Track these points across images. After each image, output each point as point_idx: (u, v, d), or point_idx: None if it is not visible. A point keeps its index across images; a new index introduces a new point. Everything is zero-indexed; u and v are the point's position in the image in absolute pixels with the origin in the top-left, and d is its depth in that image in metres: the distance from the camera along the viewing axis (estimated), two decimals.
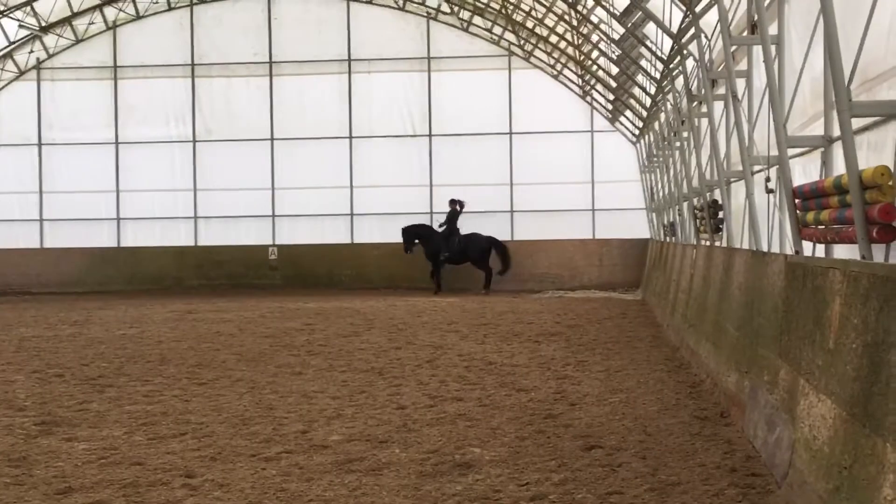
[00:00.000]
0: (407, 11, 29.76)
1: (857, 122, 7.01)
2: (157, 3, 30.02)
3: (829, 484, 5.14)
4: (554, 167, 28.87)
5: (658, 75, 18.22)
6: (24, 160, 30.53)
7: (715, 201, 14.46)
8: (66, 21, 29.50)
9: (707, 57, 13.18)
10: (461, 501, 6.23)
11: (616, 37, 20.29)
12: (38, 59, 30.32)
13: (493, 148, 29.43)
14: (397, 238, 28.13)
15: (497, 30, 29.03)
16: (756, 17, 9.63)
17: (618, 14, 17.61)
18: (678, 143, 17.73)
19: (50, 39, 29.94)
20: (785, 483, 6.10)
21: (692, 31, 13.24)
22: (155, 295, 27.90)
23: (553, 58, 28.42)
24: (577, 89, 29.02)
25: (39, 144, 30.56)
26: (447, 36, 29.64)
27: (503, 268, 27.87)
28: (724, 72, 12.08)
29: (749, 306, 8.72)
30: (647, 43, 17.92)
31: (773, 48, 9.39)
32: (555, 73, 29.10)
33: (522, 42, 28.70)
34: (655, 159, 23.11)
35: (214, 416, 9.17)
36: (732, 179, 13.52)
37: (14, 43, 29.21)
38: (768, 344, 7.52)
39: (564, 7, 23.27)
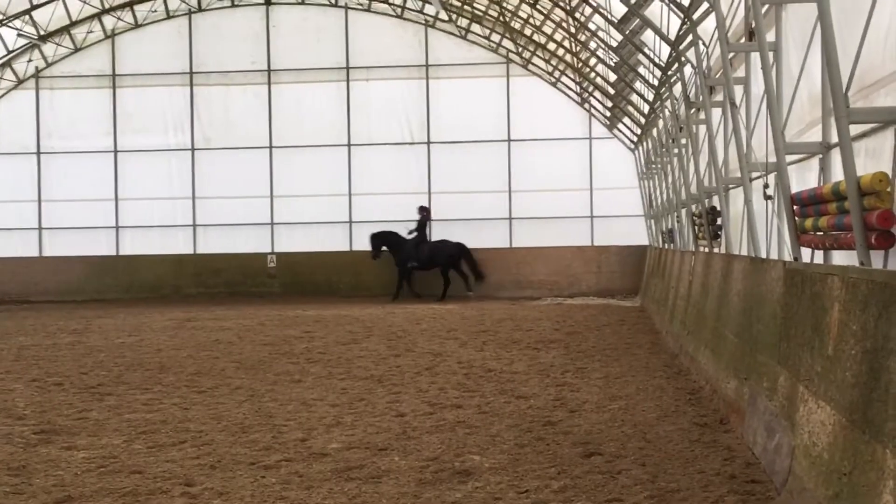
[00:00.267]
0: (405, 19, 29.80)
1: (854, 129, 7.04)
2: (155, 11, 30.05)
3: (829, 490, 5.14)
4: (552, 174, 28.90)
5: (656, 82, 18.25)
6: (22, 169, 30.54)
7: (713, 208, 14.48)
8: (65, 30, 29.54)
9: (705, 64, 13.22)
10: None
11: (614, 44, 20.31)
12: (36, 67, 30.36)
13: (492, 155, 29.45)
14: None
15: (495, 37, 29.07)
16: (754, 24, 9.65)
17: (616, 21, 17.64)
18: (676, 150, 17.75)
19: (49, 48, 29.99)
20: (785, 490, 6.10)
21: (690, 38, 13.27)
22: (153, 303, 27.88)
23: (551, 65, 28.47)
24: (575, 96, 29.06)
25: (38, 153, 30.57)
26: (445, 43, 29.67)
27: (476, 276, 28.01)
28: (721, 79, 12.11)
29: (748, 313, 8.73)
30: (645, 50, 17.96)
31: (770, 55, 9.41)
32: (553, 80, 29.14)
33: (520, 49, 28.74)
34: (654, 166, 23.13)
35: (214, 424, 9.16)
36: (731, 186, 13.55)
37: (13, 52, 29.25)
38: (767, 350, 7.53)
39: (562, 14, 23.31)
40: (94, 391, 11.38)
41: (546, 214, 29.03)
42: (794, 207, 8.50)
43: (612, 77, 23.46)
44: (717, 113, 13.99)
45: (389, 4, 29.65)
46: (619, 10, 17.37)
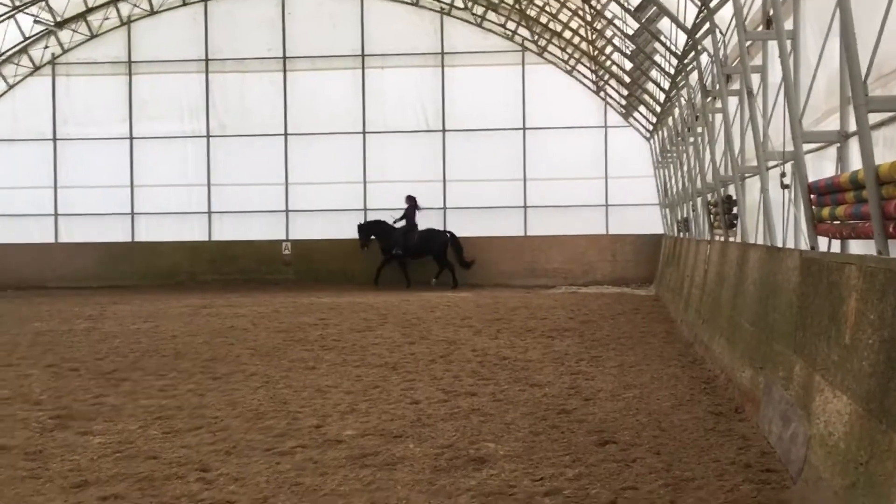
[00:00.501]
0: (421, 7, 29.74)
1: (873, 118, 6.99)
2: None
3: (846, 480, 5.13)
4: (567, 162, 28.85)
5: (672, 70, 18.18)
6: (39, 155, 30.64)
7: (729, 197, 14.43)
8: (81, 16, 29.60)
9: (722, 52, 13.15)
10: (475, 496, 6.23)
11: (630, 32, 20.25)
12: (52, 54, 30.44)
13: (507, 143, 29.41)
14: None
15: (511, 25, 29.00)
16: (771, 12, 9.60)
17: (632, 9, 17.59)
18: (692, 139, 17.70)
19: (65, 35, 30.06)
20: (800, 479, 6.08)
21: (707, 26, 13.21)
22: (169, 290, 27.99)
23: (567, 53, 28.37)
24: (590, 85, 28.97)
25: (54, 139, 30.68)
26: (461, 31, 29.61)
27: (467, 262, 28.11)
28: (738, 67, 12.04)
29: (764, 302, 8.70)
30: (662, 38, 17.88)
31: (788, 43, 9.35)
32: (568, 68, 29.06)
33: (536, 37, 28.66)
34: (669, 155, 23.05)
35: (229, 411, 9.20)
36: (747, 175, 13.49)
37: (29, 38, 29.35)
38: (783, 339, 7.50)
39: (578, 2, 23.23)
40: (110, 377, 11.44)
41: (561, 203, 28.99)
42: (811, 196, 8.46)
43: (628, 65, 23.39)
44: (733, 101, 13.92)
45: None
46: None
